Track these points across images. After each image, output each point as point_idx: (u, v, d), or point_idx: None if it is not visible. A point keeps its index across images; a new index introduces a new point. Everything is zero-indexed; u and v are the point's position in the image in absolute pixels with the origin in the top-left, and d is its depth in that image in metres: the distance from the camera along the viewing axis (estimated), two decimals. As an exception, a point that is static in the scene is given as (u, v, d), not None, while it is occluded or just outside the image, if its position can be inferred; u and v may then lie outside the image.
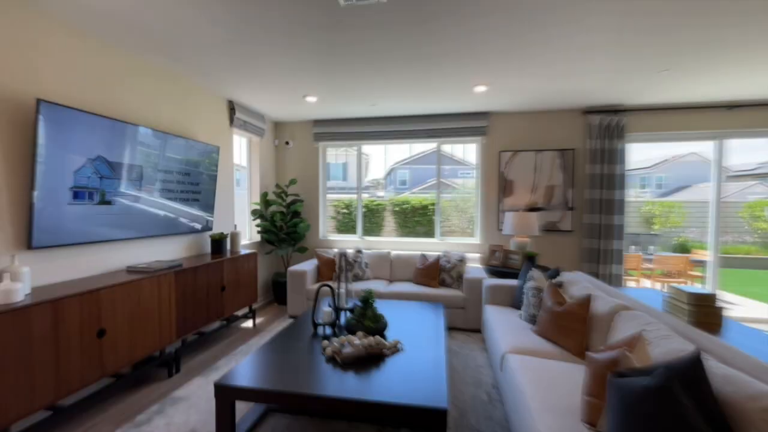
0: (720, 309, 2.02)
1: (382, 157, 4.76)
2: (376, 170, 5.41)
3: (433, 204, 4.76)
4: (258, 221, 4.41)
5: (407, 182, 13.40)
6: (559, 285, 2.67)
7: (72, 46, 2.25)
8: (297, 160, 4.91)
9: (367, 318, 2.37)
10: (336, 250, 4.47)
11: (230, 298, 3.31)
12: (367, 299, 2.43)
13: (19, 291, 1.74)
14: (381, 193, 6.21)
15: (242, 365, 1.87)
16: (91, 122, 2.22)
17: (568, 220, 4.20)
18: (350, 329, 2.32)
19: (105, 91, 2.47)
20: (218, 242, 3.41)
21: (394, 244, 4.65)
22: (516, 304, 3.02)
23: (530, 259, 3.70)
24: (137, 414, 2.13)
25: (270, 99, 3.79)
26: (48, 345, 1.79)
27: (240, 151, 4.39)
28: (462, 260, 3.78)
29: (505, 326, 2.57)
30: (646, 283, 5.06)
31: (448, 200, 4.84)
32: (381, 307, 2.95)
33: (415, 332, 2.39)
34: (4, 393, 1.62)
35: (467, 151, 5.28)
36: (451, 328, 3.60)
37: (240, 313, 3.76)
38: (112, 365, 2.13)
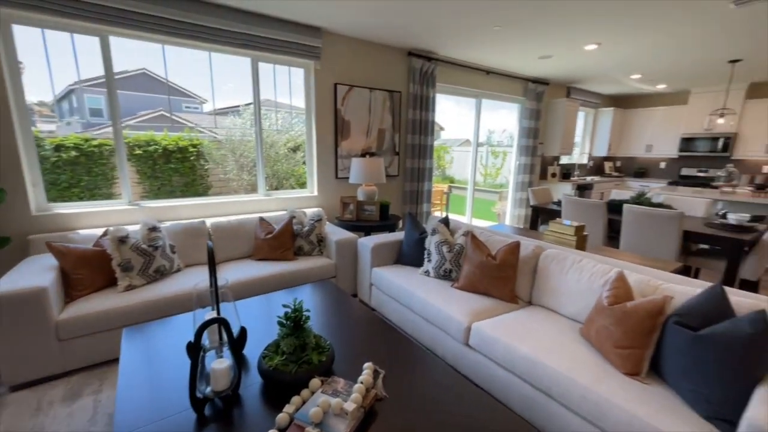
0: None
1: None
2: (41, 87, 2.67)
3: (195, 145, 3.64)
4: None
5: (104, 114, 9.23)
6: (453, 233, 2.63)
7: None
8: None
9: (310, 348, 1.40)
10: (92, 232, 2.44)
11: None
12: (298, 316, 1.41)
13: None
14: (51, 127, 3.34)
15: None
16: None
17: (395, 165, 4.23)
18: (278, 377, 1.29)
19: None
20: None
21: (191, 208, 3.07)
22: (403, 261, 2.77)
23: (384, 209, 3.49)
24: None
25: None
26: None
27: None
28: (321, 220, 3.03)
29: (421, 289, 2.27)
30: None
31: (219, 140, 4.00)
32: (235, 314, 1.88)
33: (357, 340, 1.66)
34: None
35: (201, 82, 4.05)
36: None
37: None
38: None
